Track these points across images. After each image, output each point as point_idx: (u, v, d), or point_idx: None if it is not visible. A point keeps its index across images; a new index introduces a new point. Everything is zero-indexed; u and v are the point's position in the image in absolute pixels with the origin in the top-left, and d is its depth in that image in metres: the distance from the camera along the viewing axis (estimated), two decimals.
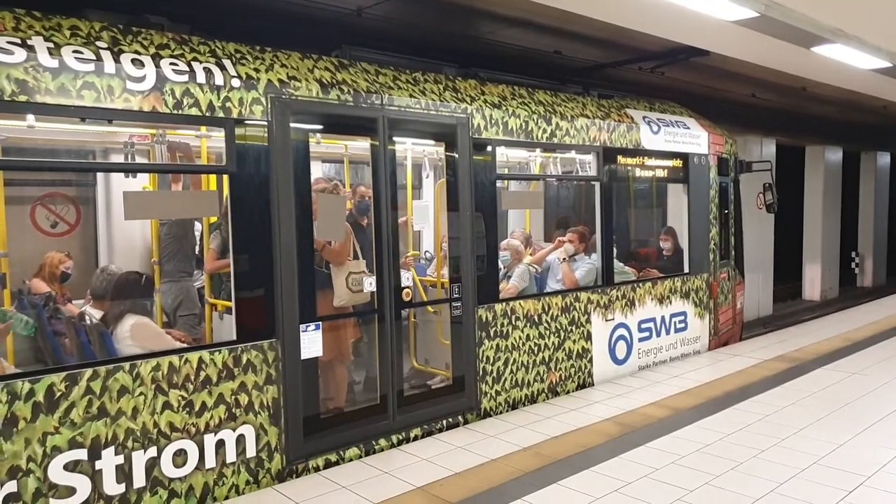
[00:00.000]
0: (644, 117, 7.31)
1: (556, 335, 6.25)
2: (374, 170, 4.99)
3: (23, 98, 3.46)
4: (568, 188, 9.17)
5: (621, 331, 6.94)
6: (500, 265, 6.41)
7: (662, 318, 7.42)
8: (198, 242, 5.91)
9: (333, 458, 4.66)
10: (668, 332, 7.49)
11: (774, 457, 4.65)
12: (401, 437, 5.05)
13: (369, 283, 5.05)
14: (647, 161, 7.27)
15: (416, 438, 5.13)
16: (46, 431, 3.51)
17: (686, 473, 4.41)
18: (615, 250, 7.05)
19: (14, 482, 3.41)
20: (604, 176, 6.74)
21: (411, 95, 5.18)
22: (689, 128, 7.81)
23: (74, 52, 3.65)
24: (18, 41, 3.49)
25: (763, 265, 14.32)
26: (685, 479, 4.33)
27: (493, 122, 5.69)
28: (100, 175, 6.10)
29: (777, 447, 4.83)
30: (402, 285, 5.14)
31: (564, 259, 6.81)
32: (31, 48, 3.51)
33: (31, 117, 3.94)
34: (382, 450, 4.92)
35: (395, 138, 5.11)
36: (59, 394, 3.55)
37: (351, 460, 4.73)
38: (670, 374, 6.99)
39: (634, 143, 7.06)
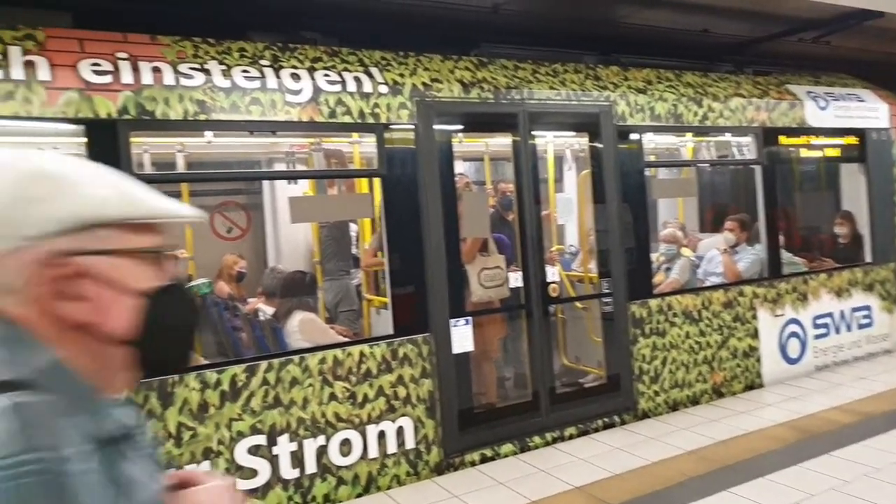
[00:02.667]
0: (808, 92, 6.96)
1: (719, 332, 6.09)
2: (516, 165, 5.19)
3: (202, 117, 4.03)
4: (723, 174, 8.86)
5: (793, 327, 6.61)
6: (662, 257, 6.35)
7: (841, 312, 6.97)
8: (354, 243, 6.41)
9: (489, 453, 4.88)
10: (849, 329, 7.02)
11: None
12: (555, 436, 5.17)
13: (515, 279, 5.23)
14: (815, 140, 6.90)
15: (570, 437, 5.22)
16: (232, 417, 4.03)
17: (883, 489, 4.08)
18: (781, 239, 6.75)
19: (208, 462, 3.95)
20: (764, 159, 6.49)
21: (551, 87, 5.33)
22: (864, 100, 7.31)
23: (243, 71, 4.20)
24: (197, 66, 4.08)
25: None
26: (882, 495, 4.00)
27: (638, 108, 5.70)
28: (265, 183, 6.81)
29: None
30: (549, 280, 5.28)
31: (725, 250, 6.62)
32: (207, 71, 4.09)
33: (209, 134, 4.54)
34: (537, 447, 5.07)
35: (535, 132, 5.30)
36: (240, 384, 4.06)
37: (506, 456, 4.92)
38: (854, 375, 6.55)
39: (798, 121, 6.74)
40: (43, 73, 3.65)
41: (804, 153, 6.93)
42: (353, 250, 6.41)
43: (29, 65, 3.63)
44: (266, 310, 4.98)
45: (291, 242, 6.75)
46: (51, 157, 0.94)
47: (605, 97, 5.55)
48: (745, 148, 6.83)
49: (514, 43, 5.54)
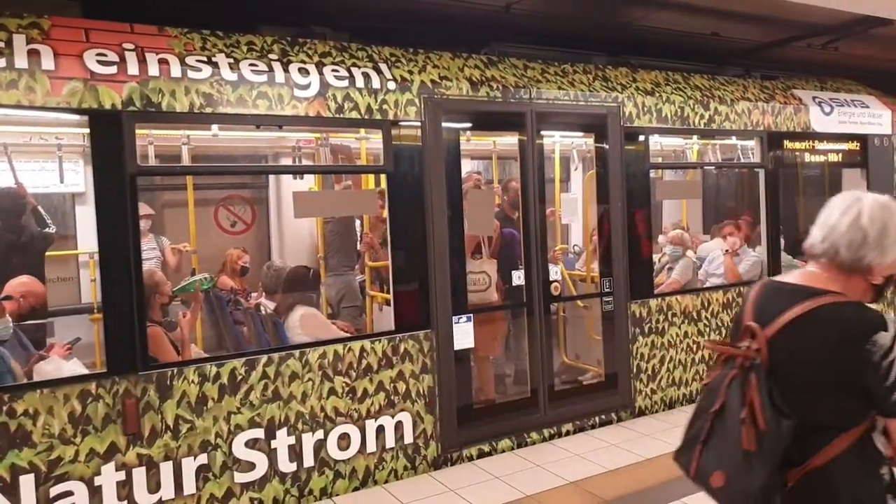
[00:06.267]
0: (814, 97, 6.60)
1: (718, 332, 5.81)
2: (522, 164, 4.91)
3: (208, 110, 3.76)
4: (728, 176, 8.52)
5: None
6: (665, 258, 6.09)
7: None
8: (359, 239, 6.16)
9: (486, 448, 4.65)
10: None
11: None
12: (552, 432, 4.94)
13: (518, 277, 4.98)
14: (819, 145, 6.56)
15: (567, 434, 4.99)
16: (230, 411, 3.79)
17: None
18: (782, 242, 6.43)
19: (205, 455, 3.73)
20: (768, 162, 6.17)
21: (560, 88, 5.03)
22: (868, 106, 6.94)
23: (251, 65, 3.91)
24: (205, 59, 3.80)
25: None
26: None
27: (645, 109, 5.39)
28: (271, 177, 6.54)
29: None
30: (551, 279, 5.02)
31: (728, 251, 6.31)
32: (215, 64, 3.81)
33: (215, 127, 4.27)
34: (534, 443, 4.84)
35: (543, 132, 5.01)
36: (239, 377, 3.82)
37: (503, 451, 4.70)
38: None
39: (803, 125, 6.40)
40: (47, 62, 3.38)
41: (807, 157, 6.60)
42: (358, 246, 6.15)
43: (33, 53, 3.37)
44: (268, 304, 4.74)
45: (296, 237, 6.48)
46: None
47: (613, 98, 5.24)
48: (750, 151, 6.51)
49: (524, 42, 5.24)
